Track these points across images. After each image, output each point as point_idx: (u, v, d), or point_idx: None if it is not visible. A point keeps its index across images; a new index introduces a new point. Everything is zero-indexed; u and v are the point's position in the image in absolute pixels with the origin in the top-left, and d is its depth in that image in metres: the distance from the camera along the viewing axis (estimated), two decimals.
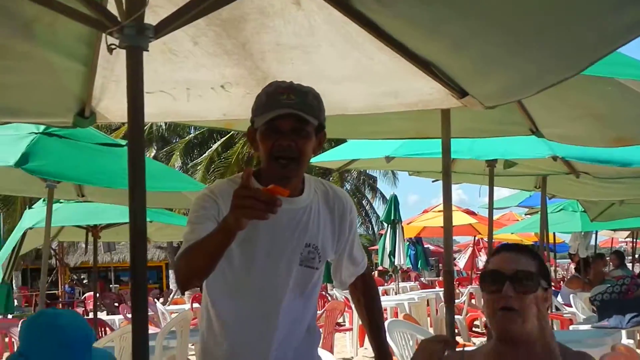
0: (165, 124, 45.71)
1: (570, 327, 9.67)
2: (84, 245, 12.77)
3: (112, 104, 4.85)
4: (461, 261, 33.42)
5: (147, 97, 4.48)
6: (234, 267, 3.35)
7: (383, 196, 50.36)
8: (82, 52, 4.31)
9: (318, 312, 15.07)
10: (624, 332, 9.47)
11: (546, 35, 3.57)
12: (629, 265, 20.86)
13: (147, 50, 3.39)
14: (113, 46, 3.49)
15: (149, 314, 16.89)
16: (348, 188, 53.59)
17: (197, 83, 4.65)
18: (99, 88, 4.70)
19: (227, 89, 4.62)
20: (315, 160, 11.16)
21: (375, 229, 50.46)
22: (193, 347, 10.32)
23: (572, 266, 23.10)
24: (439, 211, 17.46)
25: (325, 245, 3.48)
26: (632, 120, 6.43)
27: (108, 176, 7.49)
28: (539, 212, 12.48)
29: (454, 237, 37.34)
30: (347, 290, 3.92)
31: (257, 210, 2.73)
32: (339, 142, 9.94)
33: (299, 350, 3.47)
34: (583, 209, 15.58)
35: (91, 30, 3.97)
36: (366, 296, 3.82)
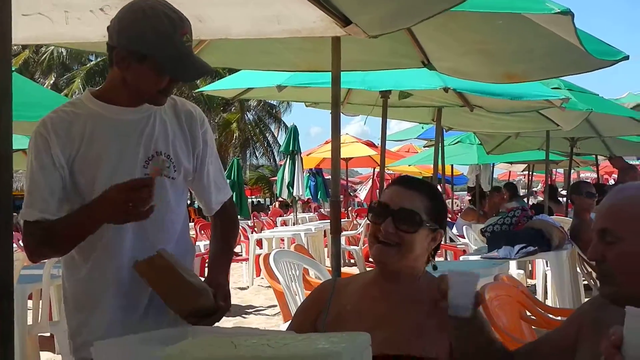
0: (66, 50, 44.94)
1: (461, 258, 9.79)
2: None
3: None
4: (362, 193, 33.68)
5: (25, 19, 4.34)
6: (79, 190, 3.24)
7: (286, 126, 50.32)
8: None
9: None
10: (513, 262, 9.63)
11: None
12: (526, 199, 21.26)
13: None
14: None
15: None
16: (250, 118, 53.46)
17: (76, 5, 4.48)
18: None
19: (107, 11, 4.46)
20: (209, 88, 11.05)
21: (277, 160, 50.56)
22: None
23: (468, 198, 23.45)
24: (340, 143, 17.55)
25: (179, 154, 3.38)
26: (521, 57, 6.45)
27: None
28: None
29: (356, 169, 37.64)
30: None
31: (144, 204, 3.00)
32: (234, 70, 9.80)
33: None
34: (479, 142, 15.75)
35: None
36: (223, 224, 3.67)
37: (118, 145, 3.25)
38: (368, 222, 3.21)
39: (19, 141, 8.96)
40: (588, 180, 15.25)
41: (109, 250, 3.23)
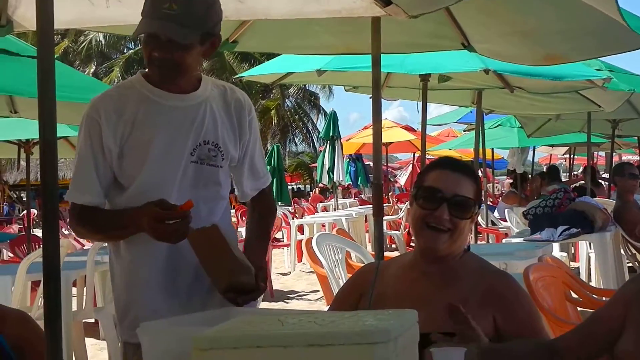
0: (105, 39, 45.15)
1: (503, 241, 9.74)
2: (23, 162, 12.55)
3: (28, 11, 4.67)
4: (402, 178, 33.58)
5: (65, 2, 4.34)
6: (126, 172, 3.31)
7: (325, 113, 50.18)
8: None
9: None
10: (556, 245, 9.55)
11: None
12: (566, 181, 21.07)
13: None
14: None
15: None
16: (289, 105, 53.48)
17: None
18: None
19: None
20: (248, 74, 11.09)
21: (317, 146, 50.50)
22: None
23: (508, 181, 23.30)
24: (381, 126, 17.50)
25: (227, 143, 3.40)
26: (561, 37, 6.37)
27: None
28: None
29: (395, 154, 37.68)
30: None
31: (179, 235, 3.10)
32: (271, 56, 9.82)
33: None
34: (520, 125, 15.63)
35: None
36: (261, 210, 3.67)
37: (168, 131, 3.28)
38: (410, 207, 3.18)
39: (62, 129, 9.07)
40: (631, 162, 15.09)
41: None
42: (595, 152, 25.79)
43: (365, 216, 17.30)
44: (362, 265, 6.83)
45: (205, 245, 3.17)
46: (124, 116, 3.25)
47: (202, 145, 3.32)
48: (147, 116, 3.27)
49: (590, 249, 9.86)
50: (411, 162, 31.13)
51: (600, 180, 17.30)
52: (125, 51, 47.97)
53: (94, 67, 46.63)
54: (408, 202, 16.48)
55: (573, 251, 13.04)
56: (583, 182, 16.03)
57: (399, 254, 12.59)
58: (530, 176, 17.86)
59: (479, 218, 11.76)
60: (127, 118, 3.25)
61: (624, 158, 31.17)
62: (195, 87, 3.38)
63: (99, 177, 3.28)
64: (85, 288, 7.96)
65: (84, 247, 13.41)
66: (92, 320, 8.54)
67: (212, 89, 3.45)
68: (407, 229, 16.10)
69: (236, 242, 3.60)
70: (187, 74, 3.30)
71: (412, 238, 16.75)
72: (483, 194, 13.64)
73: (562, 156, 31.29)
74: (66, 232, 16.07)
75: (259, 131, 3.66)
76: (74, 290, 8.11)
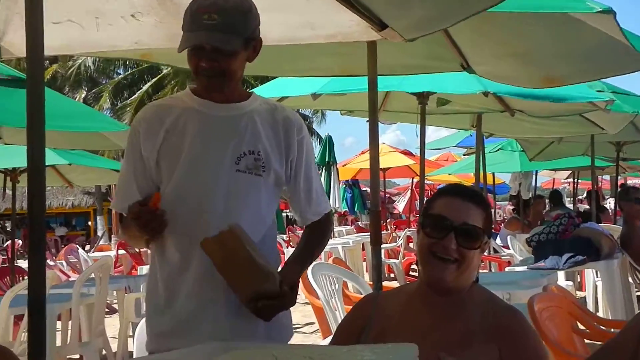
0: (94, 64, 45.01)
1: (506, 269, 9.58)
2: (8, 191, 12.46)
3: (16, 38, 4.74)
4: (400, 204, 33.56)
5: (55, 28, 4.43)
6: (162, 179, 3.36)
7: (320, 137, 50.13)
8: None
9: None
10: (561, 273, 9.40)
11: None
12: (570, 206, 20.91)
13: None
14: None
15: (72, 261, 16.45)
16: None
17: (106, 12, 4.57)
18: (3, 21, 4.65)
19: (138, 17, 4.50)
20: None
21: None
22: (115, 294, 10.05)
23: (511, 207, 23.14)
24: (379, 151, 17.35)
25: (270, 156, 3.40)
26: (559, 60, 6.27)
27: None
28: None
29: (393, 180, 37.69)
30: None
31: (152, 228, 3.17)
32: (265, 79, 9.74)
33: None
34: (522, 149, 15.51)
35: None
36: (313, 233, 3.66)
37: (205, 139, 3.33)
38: (417, 234, 3.06)
39: (49, 156, 8.90)
40: (637, 186, 14.93)
41: (190, 242, 3.26)
42: (600, 176, 25.66)
43: (363, 244, 17.12)
44: (360, 296, 6.70)
45: (222, 253, 3.11)
46: (165, 125, 3.34)
47: (247, 155, 3.34)
48: (187, 124, 3.35)
49: (597, 277, 9.70)
50: (410, 187, 31.06)
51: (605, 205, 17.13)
52: (114, 76, 47.79)
53: (85, 93, 46.31)
54: (406, 229, 16.32)
55: (579, 280, 12.85)
56: (587, 206, 15.90)
57: (397, 283, 12.51)
58: (532, 201, 17.66)
59: None
60: (168, 127, 3.34)
61: (629, 182, 31.07)
62: (243, 99, 3.46)
63: (139, 186, 3.36)
64: (70, 322, 7.75)
65: (70, 279, 13.22)
66: (77, 356, 8.35)
67: (261, 104, 3.51)
68: (405, 258, 15.94)
69: (277, 267, 3.50)
70: (234, 80, 3.35)
71: (412, 267, 16.53)
72: None
73: (565, 180, 31.22)
74: (51, 263, 15.86)
75: (313, 155, 3.67)
76: (59, 324, 7.91)
